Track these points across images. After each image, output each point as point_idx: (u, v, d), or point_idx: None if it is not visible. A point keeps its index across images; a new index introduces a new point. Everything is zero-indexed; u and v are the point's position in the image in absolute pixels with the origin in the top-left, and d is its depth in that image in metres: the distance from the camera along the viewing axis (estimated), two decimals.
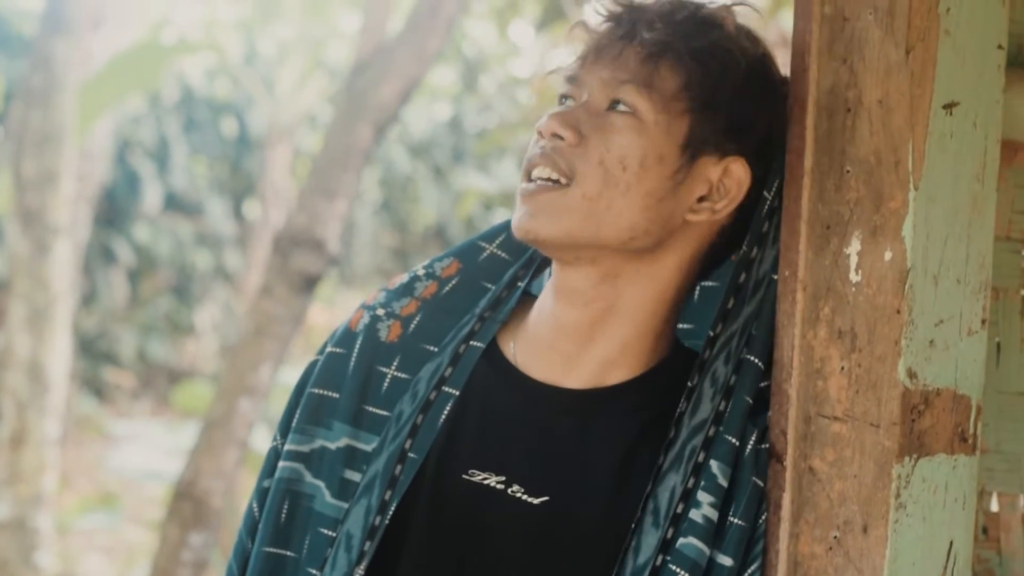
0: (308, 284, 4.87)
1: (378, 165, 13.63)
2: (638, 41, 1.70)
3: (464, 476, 1.75)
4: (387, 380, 1.83)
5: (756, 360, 1.73)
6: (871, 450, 1.63)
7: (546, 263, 1.85)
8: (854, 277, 1.65)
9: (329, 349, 1.87)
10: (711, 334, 1.74)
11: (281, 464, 1.85)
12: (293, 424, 1.86)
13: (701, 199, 1.72)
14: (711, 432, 1.70)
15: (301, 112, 10.87)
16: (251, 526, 1.87)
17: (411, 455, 1.76)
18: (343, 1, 10.65)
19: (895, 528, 1.62)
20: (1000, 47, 1.66)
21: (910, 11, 1.62)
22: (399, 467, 1.76)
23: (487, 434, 1.77)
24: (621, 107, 1.70)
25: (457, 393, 1.78)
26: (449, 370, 1.79)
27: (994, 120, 1.67)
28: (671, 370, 1.77)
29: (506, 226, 1.89)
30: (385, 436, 1.79)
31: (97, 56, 7.61)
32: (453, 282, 1.87)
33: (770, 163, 1.74)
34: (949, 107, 1.63)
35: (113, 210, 12.77)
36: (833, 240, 1.66)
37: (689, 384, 1.73)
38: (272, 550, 1.83)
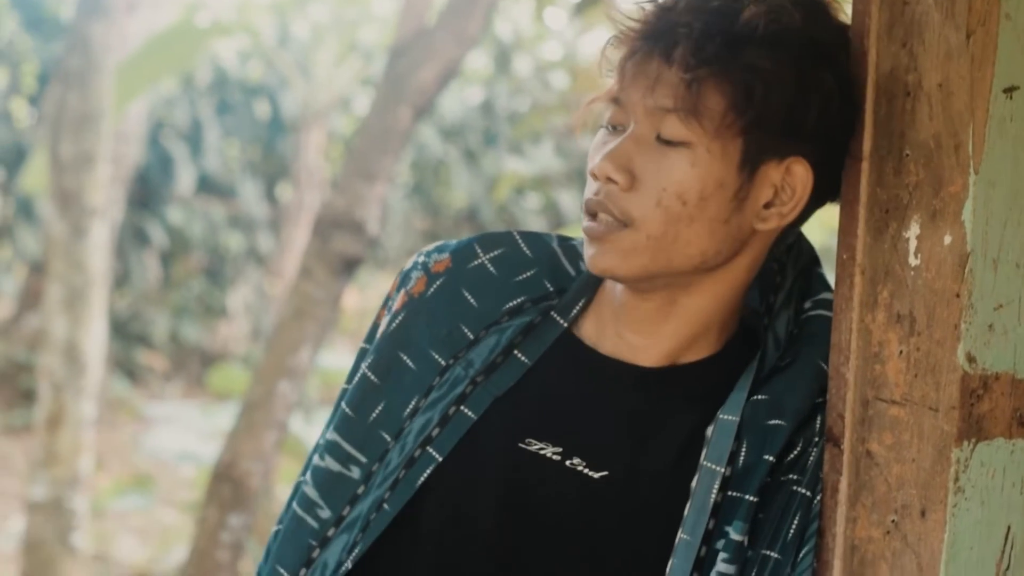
0: (348, 267, 4.87)
1: (410, 148, 13.65)
2: (677, 63, 1.63)
3: (521, 444, 1.75)
4: None
5: (783, 423, 1.72)
6: (930, 434, 1.63)
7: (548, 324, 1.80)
8: (913, 261, 1.64)
9: (363, 345, 1.87)
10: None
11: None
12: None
13: (767, 205, 1.69)
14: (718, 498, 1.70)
15: (335, 95, 10.88)
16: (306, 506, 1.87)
17: (386, 507, 1.75)
18: None
19: (953, 512, 1.62)
20: None
21: None
22: (374, 515, 1.76)
23: (549, 405, 1.77)
24: (670, 138, 1.65)
25: (441, 459, 1.74)
26: (436, 431, 1.76)
27: None
28: (740, 348, 1.77)
29: (506, 241, 1.84)
30: (373, 480, 1.77)
31: (132, 38, 7.63)
32: (438, 283, 1.82)
33: (832, 147, 1.69)
34: (1009, 91, 1.62)
35: (146, 192, 12.82)
36: (892, 224, 1.66)
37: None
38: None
